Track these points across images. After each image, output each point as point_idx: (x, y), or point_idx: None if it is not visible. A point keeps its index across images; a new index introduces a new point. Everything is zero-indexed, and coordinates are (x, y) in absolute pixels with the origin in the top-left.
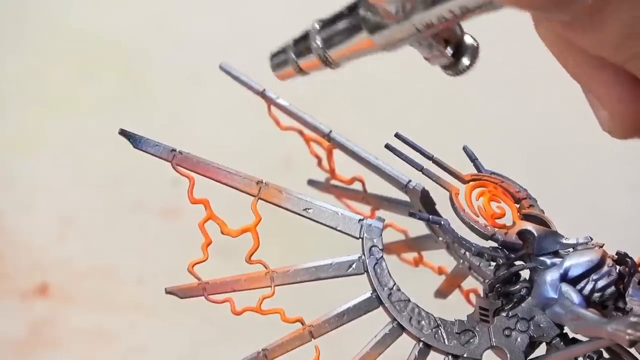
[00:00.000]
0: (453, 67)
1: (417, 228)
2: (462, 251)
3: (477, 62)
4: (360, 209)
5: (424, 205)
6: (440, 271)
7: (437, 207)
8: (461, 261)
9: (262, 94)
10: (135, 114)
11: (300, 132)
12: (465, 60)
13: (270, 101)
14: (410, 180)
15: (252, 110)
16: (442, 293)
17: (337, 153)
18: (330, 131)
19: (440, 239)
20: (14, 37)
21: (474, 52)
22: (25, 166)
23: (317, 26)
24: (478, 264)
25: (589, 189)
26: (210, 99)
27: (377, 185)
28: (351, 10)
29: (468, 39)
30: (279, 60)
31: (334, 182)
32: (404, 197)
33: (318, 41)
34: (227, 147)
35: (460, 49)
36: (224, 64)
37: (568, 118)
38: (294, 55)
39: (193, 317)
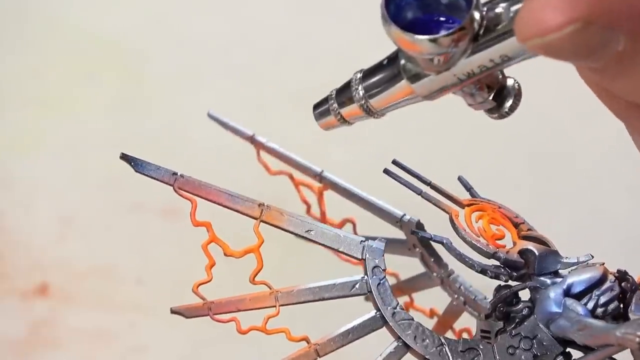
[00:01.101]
0: (496, 110)
1: (408, 272)
2: (457, 285)
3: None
4: None
5: (419, 238)
6: (431, 314)
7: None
8: (455, 296)
9: (251, 139)
10: (135, 114)
11: (291, 176)
12: (508, 104)
13: (260, 146)
14: (404, 214)
15: (251, 111)
16: None
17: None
18: (322, 171)
19: (435, 274)
20: (14, 37)
21: (517, 94)
22: (25, 166)
23: (359, 75)
24: (473, 297)
25: (588, 190)
26: (209, 99)
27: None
28: (391, 60)
29: (510, 82)
30: (321, 110)
31: None
32: (397, 236)
33: (360, 90)
34: (227, 148)
35: (502, 92)
36: (211, 111)
37: (568, 121)
38: (336, 104)
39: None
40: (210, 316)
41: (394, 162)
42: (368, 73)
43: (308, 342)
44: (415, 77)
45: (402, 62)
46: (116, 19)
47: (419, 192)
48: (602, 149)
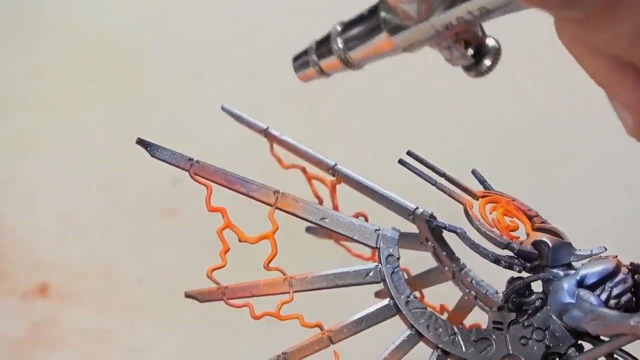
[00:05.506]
0: (474, 68)
1: (418, 269)
2: (469, 280)
3: (498, 63)
4: (363, 250)
5: (431, 231)
6: (442, 309)
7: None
8: (467, 291)
9: (265, 132)
10: (135, 114)
11: (304, 170)
12: (487, 62)
13: (273, 139)
14: (417, 207)
15: (252, 110)
16: None
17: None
18: (335, 164)
19: (446, 268)
20: (14, 37)
21: (495, 53)
22: (25, 166)
23: (338, 28)
24: (485, 291)
25: (588, 190)
26: (210, 98)
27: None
28: (371, 12)
29: (490, 41)
30: (301, 62)
31: None
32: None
33: (339, 43)
34: (227, 148)
35: (481, 50)
36: (225, 105)
37: (568, 120)
38: (315, 57)
39: (193, 317)
40: (224, 301)
41: (409, 153)
42: (348, 25)
43: (321, 329)
44: (394, 29)
45: (382, 14)
46: (116, 19)
47: (434, 183)
48: (602, 149)
